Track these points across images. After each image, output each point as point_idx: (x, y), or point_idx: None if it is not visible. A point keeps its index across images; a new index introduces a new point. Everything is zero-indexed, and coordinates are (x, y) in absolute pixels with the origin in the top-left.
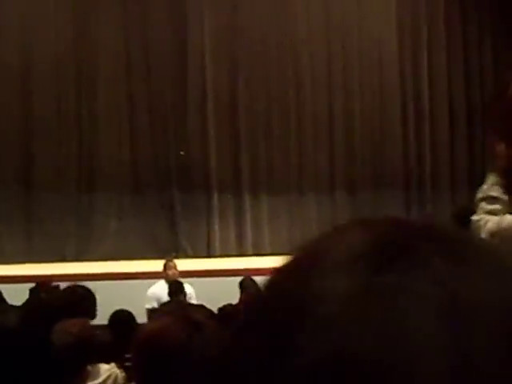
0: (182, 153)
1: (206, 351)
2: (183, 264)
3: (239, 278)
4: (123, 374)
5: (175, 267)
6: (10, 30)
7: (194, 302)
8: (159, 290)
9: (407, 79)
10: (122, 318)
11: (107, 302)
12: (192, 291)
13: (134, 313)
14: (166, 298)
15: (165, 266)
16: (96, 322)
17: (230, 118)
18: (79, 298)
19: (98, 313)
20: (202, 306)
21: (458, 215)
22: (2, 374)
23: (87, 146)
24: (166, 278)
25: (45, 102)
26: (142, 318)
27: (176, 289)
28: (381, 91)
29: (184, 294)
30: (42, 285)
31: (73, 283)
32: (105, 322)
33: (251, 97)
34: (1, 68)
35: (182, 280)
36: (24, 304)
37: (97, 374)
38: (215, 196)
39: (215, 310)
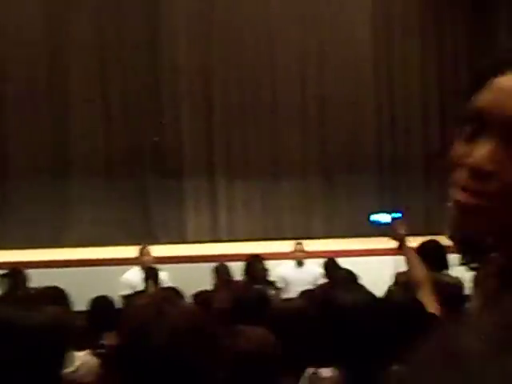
0: (155, 139)
1: (168, 332)
2: (157, 250)
3: (213, 264)
4: (97, 361)
5: (150, 253)
6: None
7: None
8: (133, 277)
9: (381, 66)
10: (102, 304)
11: (81, 288)
12: (166, 277)
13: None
14: (140, 284)
15: (140, 252)
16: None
17: (203, 104)
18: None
19: (72, 299)
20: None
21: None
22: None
23: (61, 133)
24: (141, 265)
25: (18, 88)
26: (116, 304)
27: (151, 275)
28: (354, 77)
29: (159, 280)
30: (15, 272)
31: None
32: (79, 307)
33: (225, 83)
34: None
35: (156, 266)
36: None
37: (70, 362)
38: (189, 182)
39: (189, 296)
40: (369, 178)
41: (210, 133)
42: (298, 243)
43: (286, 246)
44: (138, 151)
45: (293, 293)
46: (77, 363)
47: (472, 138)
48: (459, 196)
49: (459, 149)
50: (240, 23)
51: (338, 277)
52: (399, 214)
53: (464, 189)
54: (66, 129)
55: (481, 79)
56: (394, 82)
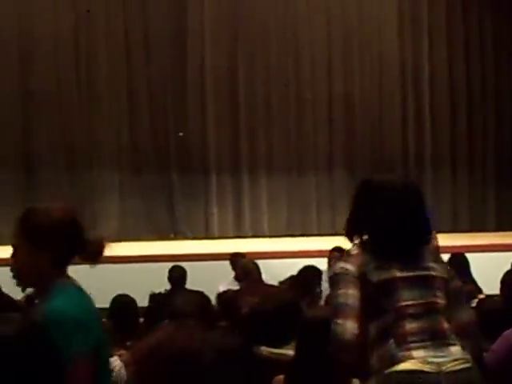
0: (180, 134)
1: (212, 356)
2: (181, 246)
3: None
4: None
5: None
6: (8, 7)
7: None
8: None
9: (407, 61)
10: (123, 303)
11: (105, 284)
12: None
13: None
14: None
15: (234, 262)
16: (96, 305)
17: (229, 100)
18: None
19: (98, 296)
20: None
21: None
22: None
23: (87, 127)
24: (237, 276)
25: (44, 82)
26: (141, 302)
27: (178, 274)
28: (380, 72)
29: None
30: None
31: None
32: (104, 305)
33: (251, 77)
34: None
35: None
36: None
37: None
38: (214, 177)
39: (213, 294)
40: (394, 173)
41: (235, 128)
42: (336, 249)
43: (312, 242)
44: (163, 147)
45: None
46: None
47: None
48: None
49: None
50: (265, 20)
51: None
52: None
53: None
54: (92, 124)
55: None
56: (420, 78)
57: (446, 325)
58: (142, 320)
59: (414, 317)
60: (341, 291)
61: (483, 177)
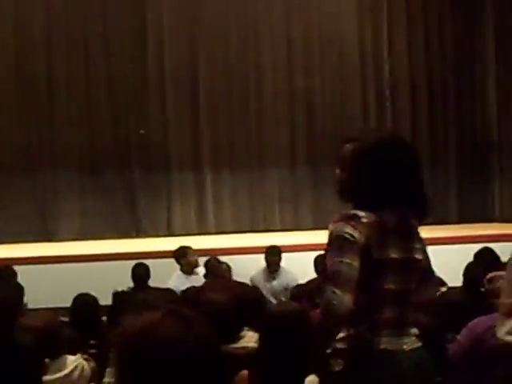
0: (141, 132)
1: (197, 348)
2: (144, 244)
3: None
4: (89, 364)
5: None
6: None
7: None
8: (178, 283)
9: (367, 55)
10: (84, 302)
11: (68, 284)
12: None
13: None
14: None
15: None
16: (59, 304)
17: (189, 96)
18: None
19: (61, 295)
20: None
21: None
22: None
23: (46, 126)
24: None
25: (2, 81)
26: (104, 301)
27: (141, 272)
28: (341, 67)
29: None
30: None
31: None
32: (66, 304)
33: (211, 73)
34: None
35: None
36: None
37: (63, 366)
38: (175, 175)
39: (177, 291)
40: None
41: (196, 124)
42: (272, 251)
43: (275, 238)
44: (124, 144)
45: None
46: (70, 367)
47: None
48: None
49: None
50: (225, 18)
51: None
52: None
53: None
54: (51, 122)
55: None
56: (381, 71)
57: (410, 312)
58: (104, 318)
59: (393, 304)
60: (346, 260)
61: (445, 169)
